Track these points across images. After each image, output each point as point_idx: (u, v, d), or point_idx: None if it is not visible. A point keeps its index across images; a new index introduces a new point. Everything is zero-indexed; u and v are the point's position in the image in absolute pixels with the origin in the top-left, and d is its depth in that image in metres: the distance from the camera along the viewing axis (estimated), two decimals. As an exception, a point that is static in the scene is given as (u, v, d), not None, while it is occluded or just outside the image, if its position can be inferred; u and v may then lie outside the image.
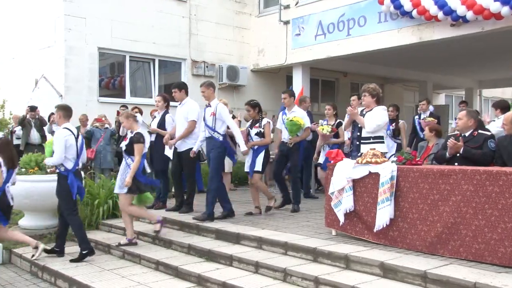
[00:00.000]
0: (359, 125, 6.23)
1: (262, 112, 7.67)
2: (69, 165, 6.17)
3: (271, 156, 8.05)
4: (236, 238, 6.12)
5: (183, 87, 7.75)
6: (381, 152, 5.51)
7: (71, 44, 11.35)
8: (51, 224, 7.67)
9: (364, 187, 5.31)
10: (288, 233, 5.94)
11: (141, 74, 13.22)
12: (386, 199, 4.97)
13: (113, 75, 12.83)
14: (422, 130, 8.99)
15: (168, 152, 7.90)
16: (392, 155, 6.90)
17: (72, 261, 6.13)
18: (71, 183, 6.13)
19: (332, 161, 5.79)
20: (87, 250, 6.24)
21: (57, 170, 6.30)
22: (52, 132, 11.05)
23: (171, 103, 8.48)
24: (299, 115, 7.62)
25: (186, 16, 13.10)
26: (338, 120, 8.65)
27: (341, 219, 5.49)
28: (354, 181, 5.40)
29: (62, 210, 6.36)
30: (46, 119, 11.11)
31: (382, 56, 12.02)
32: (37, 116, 11.05)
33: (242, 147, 7.07)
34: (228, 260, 5.57)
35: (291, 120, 7.44)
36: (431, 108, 10.04)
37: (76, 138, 6.27)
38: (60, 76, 11.42)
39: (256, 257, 5.40)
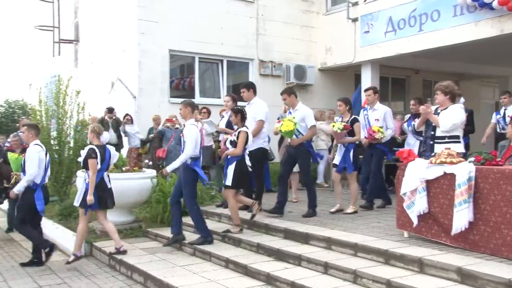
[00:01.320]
0: (433, 124, 5.99)
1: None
2: (38, 179, 6.55)
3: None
4: (304, 238, 6.09)
5: (251, 86, 7.83)
6: (457, 152, 5.26)
7: (144, 47, 11.81)
8: (126, 220, 8.03)
9: (439, 188, 5.09)
10: (358, 234, 5.83)
11: (209, 75, 13.50)
12: (464, 201, 4.73)
13: (183, 76, 13.20)
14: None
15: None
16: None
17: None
18: (37, 197, 6.50)
19: (403, 161, 5.61)
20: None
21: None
22: (125, 133, 11.57)
23: (239, 103, 8.58)
24: (301, 114, 7.27)
25: (253, 17, 13.22)
26: (353, 117, 7.63)
27: (415, 221, 5.31)
28: (427, 182, 5.20)
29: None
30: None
31: (457, 51, 11.47)
32: (113, 117, 11.60)
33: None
34: (297, 260, 5.55)
35: (281, 128, 7.09)
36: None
37: (46, 154, 6.73)
38: (134, 78, 11.91)
39: (325, 257, 5.34)
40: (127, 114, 11.54)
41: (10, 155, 8.38)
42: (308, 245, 5.96)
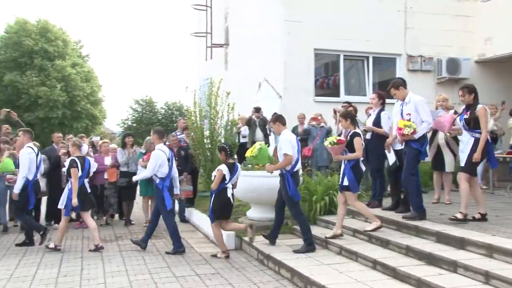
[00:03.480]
0: None
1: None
2: (30, 176, 7.86)
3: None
4: (460, 243, 5.64)
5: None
6: None
7: (289, 47, 12.04)
8: (272, 217, 8.18)
9: None
10: (525, 243, 5.21)
11: (354, 72, 13.28)
12: None
13: (327, 74, 13.19)
14: None
15: (390, 154, 7.62)
16: None
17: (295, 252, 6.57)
18: (30, 193, 7.86)
19: None
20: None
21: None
22: (269, 130, 11.90)
23: (387, 101, 8.27)
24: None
25: (401, 10, 12.68)
26: (353, 131, 6.70)
27: None
28: None
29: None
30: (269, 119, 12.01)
31: None
32: (260, 116, 12.04)
33: None
34: (452, 266, 5.16)
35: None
36: None
37: (37, 155, 8.01)
38: (280, 78, 12.23)
39: (486, 266, 4.88)
40: (275, 113, 11.84)
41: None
42: (464, 250, 5.51)
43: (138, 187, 10.07)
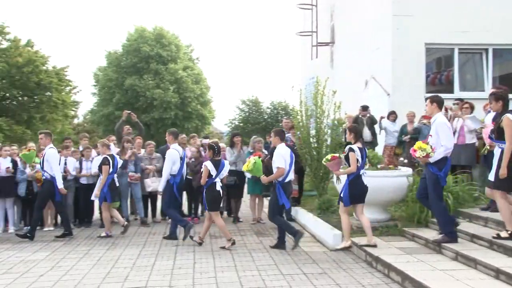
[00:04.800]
0: None
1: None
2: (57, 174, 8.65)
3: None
4: None
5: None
6: None
7: (398, 43, 11.60)
8: (381, 218, 8.00)
9: None
10: None
11: (471, 66, 12.43)
12: None
13: (439, 70, 12.49)
14: None
15: None
16: None
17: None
18: (55, 188, 8.59)
19: None
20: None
21: (44, 177, 8.68)
22: (383, 129, 11.54)
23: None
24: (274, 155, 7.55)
25: (526, -5, 11.62)
26: (348, 146, 7.11)
27: None
28: None
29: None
30: (377, 117, 11.65)
31: None
32: (368, 115, 11.73)
33: None
34: None
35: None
36: None
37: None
38: (388, 76, 11.83)
39: None
40: (392, 112, 11.49)
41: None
42: None
43: (246, 186, 10.33)
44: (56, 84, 32.34)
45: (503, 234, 6.04)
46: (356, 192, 6.97)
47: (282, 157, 7.43)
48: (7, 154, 9.66)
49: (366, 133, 11.47)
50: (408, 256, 6.36)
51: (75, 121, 40.66)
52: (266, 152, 10.25)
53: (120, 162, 9.20)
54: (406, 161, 10.80)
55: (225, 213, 11.00)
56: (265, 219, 10.19)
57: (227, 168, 7.96)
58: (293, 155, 7.69)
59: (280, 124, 14.38)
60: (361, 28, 13.67)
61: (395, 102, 11.61)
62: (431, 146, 6.37)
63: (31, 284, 5.94)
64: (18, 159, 9.68)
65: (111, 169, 8.71)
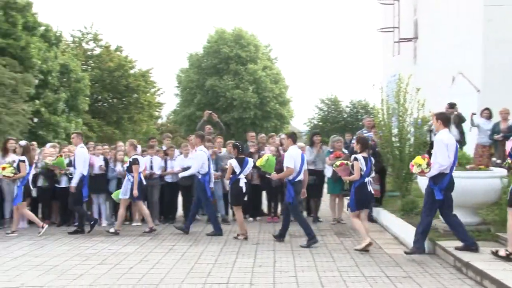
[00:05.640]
0: None
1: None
2: (85, 172, 9.29)
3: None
4: None
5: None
6: None
7: (490, 35, 10.91)
8: (471, 221, 7.53)
9: None
10: None
11: None
12: None
13: (536, 63, 11.56)
14: None
15: None
16: None
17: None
18: (84, 185, 9.26)
19: None
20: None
21: (71, 176, 9.48)
22: (476, 127, 10.92)
23: None
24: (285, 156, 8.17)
25: None
26: (354, 156, 7.72)
27: None
28: None
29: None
30: (466, 115, 11.04)
31: None
32: (455, 112, 11.13)
33: None
34: None
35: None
36: None
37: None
38: (478, 71, 11.17)
39: None
40: (486, 109, 10.88)
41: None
42: None
43: (325, 185, 10.21)
44: (143, 87, 34.10)
45: (501, 252, 5.90)
46: (362, 198, 7.47)
47: (292, 158, 8.01)
48: (100, 153, 10.30)
49: (454, 132, 10.89)
50: (504, 263, 5.93)
51: (159, 121, 42.51)
52: (346, 151, 10.07)
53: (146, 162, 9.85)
54: (499, 161, 10.13)
55: (304, 212, 10.97)
56: (345, 219, 10.04)
57: (250, 165, 8.69)
58: (304, 157, 8.30)
59: (361, 123, 14.08)
60: (447, 21, 13.02)
61: (486, 99, 10.94)
62: (427, 162, 6.66)
63: (122, 275, 6.27)
64: (109, 158, 10.32)
65: (140, 169, 9.23)
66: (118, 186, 9.95)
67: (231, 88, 33.61)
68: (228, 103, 33.95)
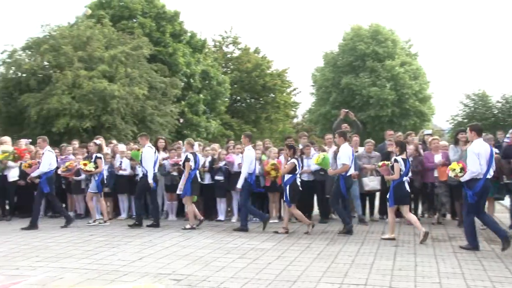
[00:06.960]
0: None
1: None
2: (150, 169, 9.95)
3: None
4: None
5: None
6: None
7: None
8: None
9: None
10: None
11: None
12: None
13: None
14: None
15: None
16: None
17: None
18: (152, 182, 9.86)
19: None
20: None
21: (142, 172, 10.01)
22: None
23: None
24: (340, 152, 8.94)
25: None
26: (394, 157, 8.42)
27: None
28: None
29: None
30: None
31: None
32: None
33: None
34: None
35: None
36: None
37: (154, 152, 10.06)
38: None
39: None
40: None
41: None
42: None
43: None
44: (279, 86, 34.95)
45: None
46: (399, 195, 8.18)
47: (347, 155, 8.87)
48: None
49: None
50: None
51: (295, 120, 43.14)
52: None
53: (202, 160, 10.27)
54: None
55: (448, 215, 10.30)
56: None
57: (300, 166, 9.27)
58: (354, 153, 9.22)
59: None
60: None
61: None
62: (461, 168, 7.25)
63: (261, 270, 6.46)
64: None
65: (193, 166, 9.60)
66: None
67: (367, 86, 32.80)
68: (364, 101, 33.16)
